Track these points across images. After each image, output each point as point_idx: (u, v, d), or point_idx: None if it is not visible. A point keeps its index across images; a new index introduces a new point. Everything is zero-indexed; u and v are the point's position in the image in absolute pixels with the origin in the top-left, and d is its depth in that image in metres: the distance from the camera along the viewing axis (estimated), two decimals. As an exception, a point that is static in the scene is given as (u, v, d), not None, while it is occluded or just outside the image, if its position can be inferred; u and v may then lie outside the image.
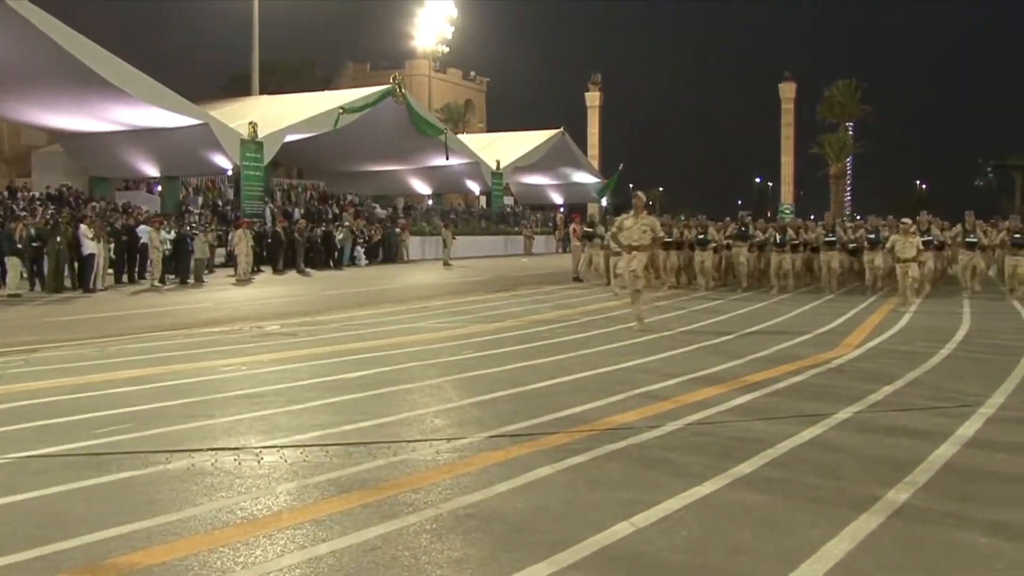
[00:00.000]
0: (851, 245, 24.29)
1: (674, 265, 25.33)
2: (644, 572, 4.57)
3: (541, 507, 5.52)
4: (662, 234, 14.85)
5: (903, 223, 20.21)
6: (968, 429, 7.64)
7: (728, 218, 26.93)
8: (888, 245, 20.61)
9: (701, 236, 24.48)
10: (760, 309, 18.51)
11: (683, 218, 28.05)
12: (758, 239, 24.80)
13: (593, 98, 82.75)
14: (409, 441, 7.22)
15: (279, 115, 39.85)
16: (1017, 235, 21.68)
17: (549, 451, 6.82)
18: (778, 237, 24.18)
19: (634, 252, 14.52)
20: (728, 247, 25.24)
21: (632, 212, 14.99)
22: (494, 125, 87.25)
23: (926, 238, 22.15)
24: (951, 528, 5.20)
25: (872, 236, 23.18)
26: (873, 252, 22.97)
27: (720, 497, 5.75)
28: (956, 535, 5.09)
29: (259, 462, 6.60)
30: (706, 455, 6.75)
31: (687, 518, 5.32)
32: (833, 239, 23.82)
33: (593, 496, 5.76)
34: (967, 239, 23.00)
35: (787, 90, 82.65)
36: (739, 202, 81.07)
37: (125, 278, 27.05)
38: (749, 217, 26.47)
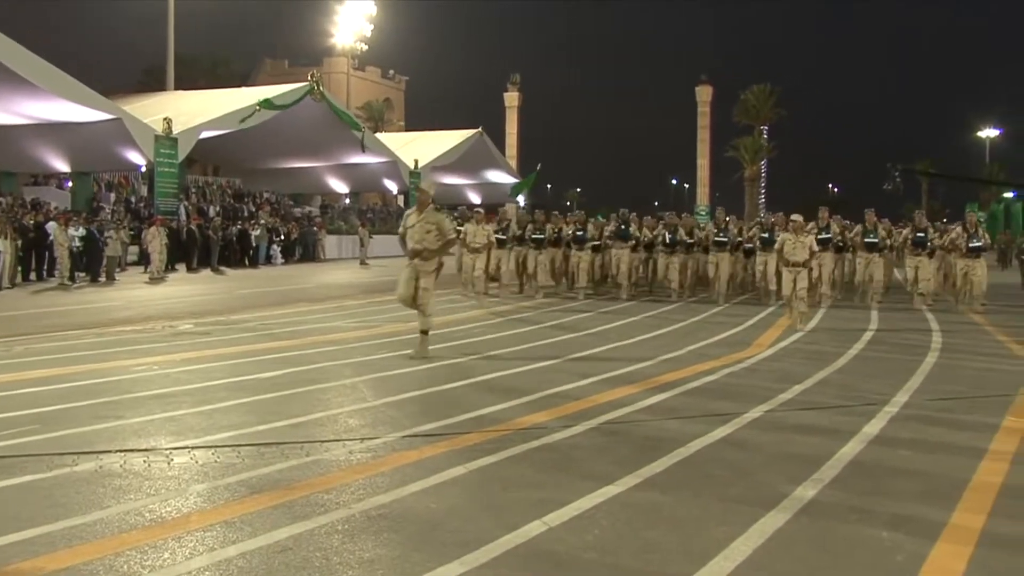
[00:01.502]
0: (746, 245, 22.17)
1: (545, 266, 22.65)
2: (556, 571, 4.61)
3: (454, 507, 5.54)
4: (453, 235, 12.08)
5: (793, 220, 16.42)
6: (873, 427, 7.86)
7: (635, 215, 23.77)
8: (777, 246, 16.85)
9: (579, 233, 21.89)
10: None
11: (600, 218, 25.89)
12: (646, 238, 22.41)
13: (512, 98, 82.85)
14: (322, 441, 7.18)
15: (194, 111, 39.21)
16: (920, 234, 20.20)
17: (462, 451, 6.84)
18: (667, 236, 21.60)
19: (416, 260, 11.56)
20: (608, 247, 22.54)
21: (416, 207, 12.01)
22: (413, 124, 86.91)
23: (824, 236, 20.31)
24: (855, 523, 5.35)
25: (765, 236, 20.34)
26: (766, 254, 20.09)
27: (631, 496, 5.82)
28: (860, 530, 5.24)
29: (169, 463, 6.51)
30: (618, 454, 6.83)
31: (599, 517, 5.38)
32: (724, 239, 21.29)
33: (505, 496, 5.79)
34: (867, 239, 20.77)
35: (703, 93, 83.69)
36: (655, 203, 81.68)
37: (33, 276, 26.41)
38: (634, 213, 23.34)
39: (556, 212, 25.06)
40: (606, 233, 22.49)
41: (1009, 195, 64.64)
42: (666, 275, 21.79)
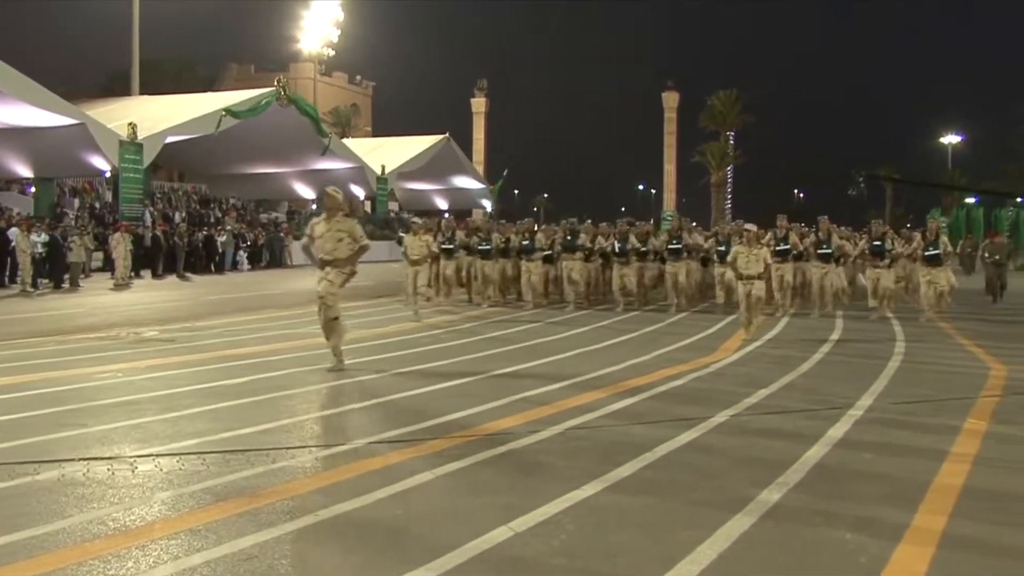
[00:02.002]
0: (701, 255, 21.18)
1: (493, 278, 21.35)
2: (521, 576, 4.62)
3: (420, 513, 5.53)
4: (366, 243, 11.11)
5: (746, 230, 15.69)
6: (838, 430, 7.91)
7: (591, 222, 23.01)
8: (730, 259, 15.64)
9: (526, 243, 20.73)
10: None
11: (568, 221, 25.28)
12: (598, 247, 20.82)
13: (479, 104, 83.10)
14: (288, 448, 7.15)
15: (160, 116, 38.97)
16: (877, 243, 18.77)
17: (428, 457, 6.83)
18: (617, 245, 20.23)
19: (328, 269, 10.92)
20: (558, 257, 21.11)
21: (324, 215, 11.20)
22: (380, 130, 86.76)
23: (782, 247, 19.00)
24: (820, 526, 5.39)
25: (722, 249, 19.19)
26: (724, 266, 18.53)
27: (598, 501, 5.84)
28: (824, 532, 5.28)
29: (133, 471, 6.46)
30: (585, 459, 6.84)
31: (565, 522, 5.39)
32: (679, 246, 20.00)
33: (472, 501, 5.79)
34: (819, 250, 19.16)
35: (670, 99, 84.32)
36: (622, 209, 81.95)
37: (-6, 282, 26.15)
38: (588, 221, 22.57)
39: (503, 221, 24.26)
40: (557, 243, 21.15)
41: (971, 201, 65.32)
42: (621, 285, 20.20)
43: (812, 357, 12.55)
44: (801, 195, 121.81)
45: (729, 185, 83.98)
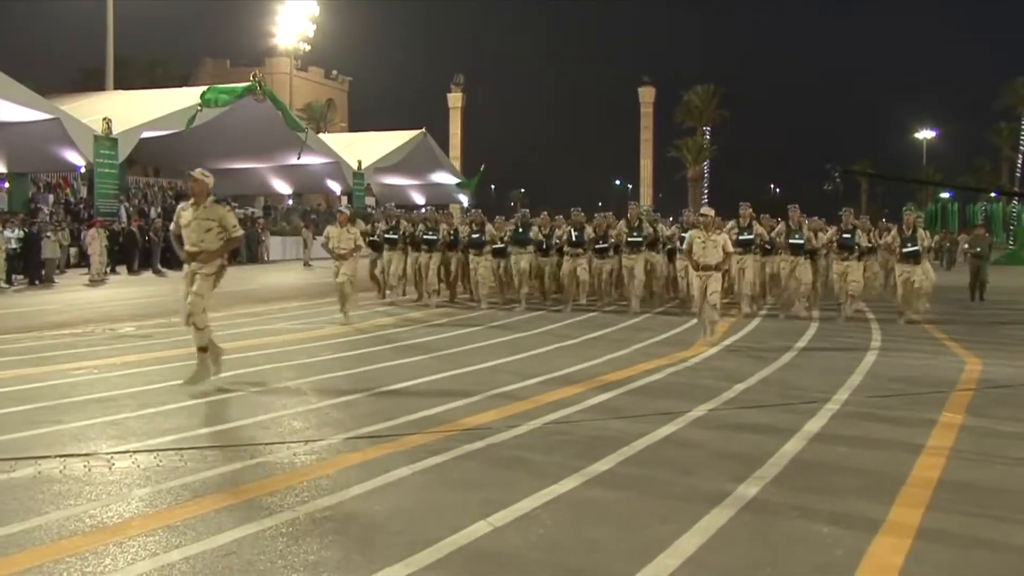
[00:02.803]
0: (667, 248, 19.54)
1: (431, 272, 19.70)
2: (501, 571, 4.63)
3: (398, 508, 5.53)
4: (239, 232, 9.79)
5: (703, 215, 14.04)
6: (814, 425, 7.96)
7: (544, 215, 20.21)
8: (685, 245, 14.19)
9: (475, 235, 19.23)
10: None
11: (520, 212, 22.54)
12: (556, 240, 19.00)
13: (455, 99, 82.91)
14: (266, 444, 7.14)
15: (135, 111, 38.67)
16: (846, 235, 17.31)
17: (407, 452, 6.83)
18: (573, 235, 18.55)
19: (194, 264, 9.77)
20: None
21: (191, 201, 9.86)
22: (356, 125, 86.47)
23: (745, 236, 17.82)
24: (796, 519, 5.42)
25: (685, 236, 16.00)
26: (685, 257, 15.89)
27: (576, 495, 5.85)
28: (801, 526, 5.32)
29: (110, 468, 6.43)
30: (563, 454, 6.86)
31: (543, 516, 5.40)
32: (639, 239, 18.38)
33: (451, 496, 5.79)
34: (790, 239, 17.66)
35: (646, 94, 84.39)
36: (599, 204, 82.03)
37: (-32, 279, 25.92)
38: (544, 213, 20.19)
39: (444, 210, 22.63)
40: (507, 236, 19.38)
41: (945, 195, 65.82)
42: (574, 276, 18.61)
43: (789, 351, 12.60)
44: (777, 190, 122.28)
45: (706, 180, 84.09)
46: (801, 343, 13.52)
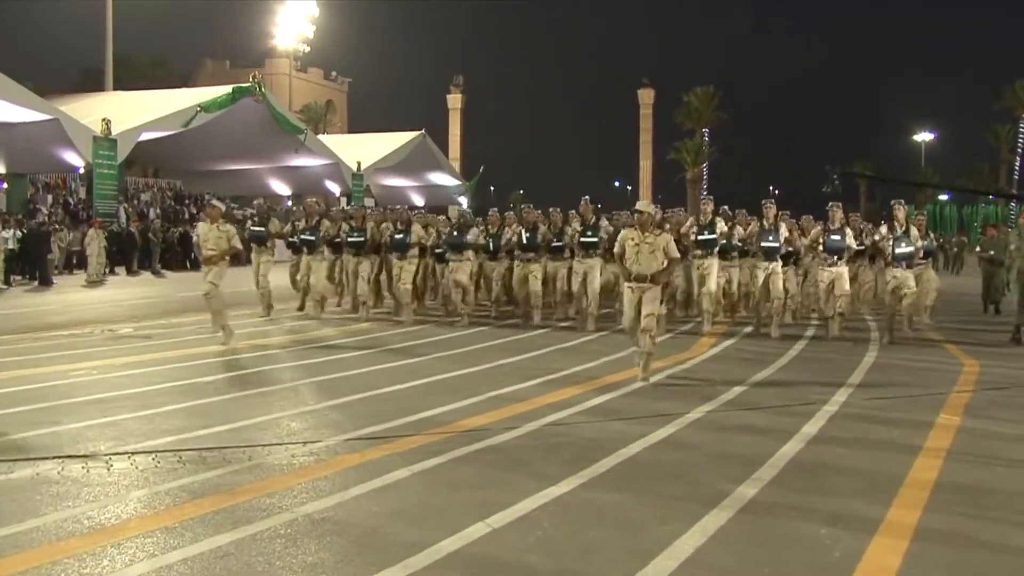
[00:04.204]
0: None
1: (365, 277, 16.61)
2: (499, 573, 4.64)
3: (397, 510, 5.54)
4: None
5: (638, 210, 10.61)
6: (812, 426, 7.98)
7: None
8: (617, 249, 10.79)
9: (398, 236, 16.18)
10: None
11: (460, 208, 18.83)
12: (505, 243, 16.22)
13: (455, 100, 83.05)
14: (264, 445, 7.14)
15: (134, 112, 38.65)
16: (835, 237, 14.30)
17: (405, 453, 6.84)
18: (525, 236, 15.76)
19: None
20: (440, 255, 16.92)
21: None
22: (356, 126, 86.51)
23: (706, 236, 14.94)
24: (795, 520, 5.44)
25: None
26: (611, 262, 14.25)
27: (575, 497, 5.86)
28: (799, 527, 5.33)
29: (109, 469, 6.43)
30: (561, 456, 6.87)
31: (542, 518, 5.41)
32: (594, 239, 15.15)
33: (449, 498, 5.80)
34: (763, 242, 14.69)
35: (646, 96, 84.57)
36: (598, 205, 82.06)
37: (-34, 279, 25.91)
38: (494, 211, 17.47)
39: (377, 207, 18.55)
40: (443, 238, 16.69)
41: (943, 198, 65.94)
42: (521, 285, 16.01)
43: (787, 353, 12.61)
44: (776, 191, 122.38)
45: (705, 181, 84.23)
46: (799, 346, 13.49)
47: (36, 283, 26.17)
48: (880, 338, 14.15)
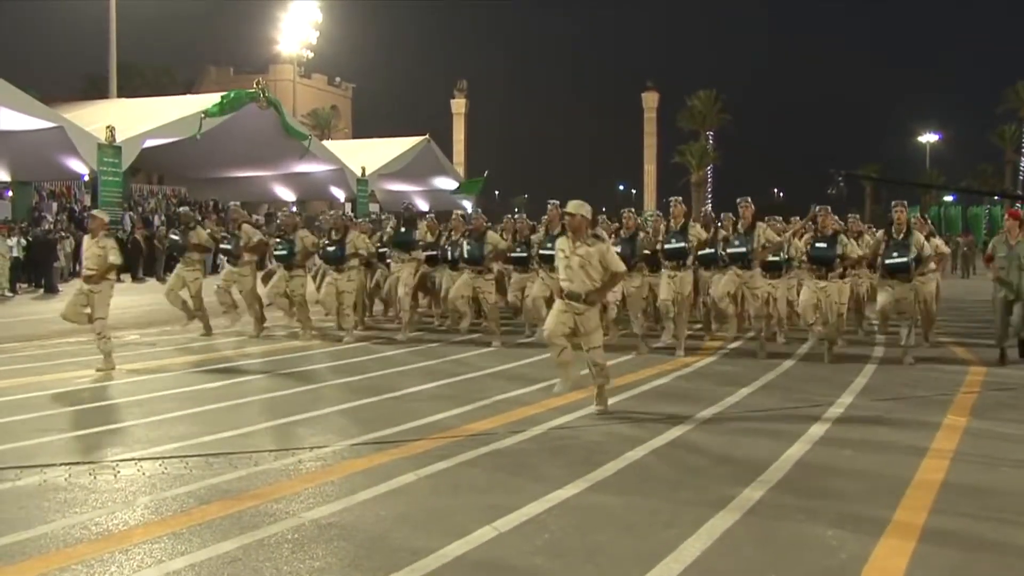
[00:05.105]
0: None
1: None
2: (505, 576, 4.64)
3: (403, 514, 5.54)
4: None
5: (569, 213, 8.51)
6: (819, 429, 7.96)
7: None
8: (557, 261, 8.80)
9: (331, 248, 14.44)
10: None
11: (404, 205, 17.02)
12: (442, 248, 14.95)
13: (459, 105, 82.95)
14: (270, 451, 7.15)
15: (138, 119, 38.69)
16: (821, 244, 12.07)
17: (412, 458, 6.84)
18: (466, 248, 14.03)
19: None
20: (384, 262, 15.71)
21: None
22: (360, 131, 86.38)
23: (675, 244, 12.81)
24: (801, 522, 5.43)
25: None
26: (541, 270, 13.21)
27: (581, 500, 5.86)
28: (805, 529, 5.33)
29: (116, 476, 6.44)
30: (568, 459, 6.87)
31: (548, 521, 5.41)
32: (552, 251, 10.26)
33: (456, 502, 5.80)
34: (730, 249, 12.79)
35: (650, 99, 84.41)
36: (603, 209, 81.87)
37: (-29, 287, 25.94)
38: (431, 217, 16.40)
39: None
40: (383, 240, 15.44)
41: (948, 199, 65.79)
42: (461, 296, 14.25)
43: (793, 356, 12.58)
44: (781, 194, 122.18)
45: (709, 185, 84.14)
46: (805, 348, 13.40)
47: (42, 291, 26.25)
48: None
